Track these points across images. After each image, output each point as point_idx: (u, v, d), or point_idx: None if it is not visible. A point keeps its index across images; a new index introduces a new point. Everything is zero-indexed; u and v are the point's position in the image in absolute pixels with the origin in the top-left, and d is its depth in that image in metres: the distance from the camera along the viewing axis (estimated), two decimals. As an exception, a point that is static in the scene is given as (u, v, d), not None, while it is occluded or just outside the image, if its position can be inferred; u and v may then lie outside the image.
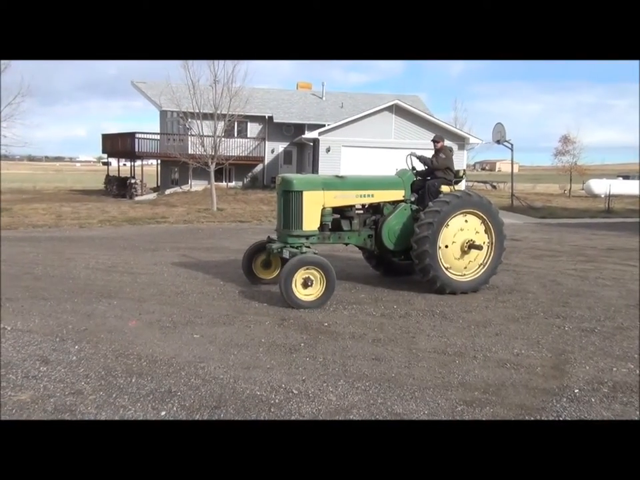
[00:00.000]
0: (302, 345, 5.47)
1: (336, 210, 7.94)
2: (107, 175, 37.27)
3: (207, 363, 4.89)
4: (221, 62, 22.04)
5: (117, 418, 3.82)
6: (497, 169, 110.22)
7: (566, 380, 4.70)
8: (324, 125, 28.57)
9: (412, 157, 8.37)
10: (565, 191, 41.78)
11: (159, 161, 33.19)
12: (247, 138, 31.73)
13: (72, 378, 4.51)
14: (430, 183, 8.26)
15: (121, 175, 34.78)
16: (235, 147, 29.78)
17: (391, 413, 4.00)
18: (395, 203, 8.18)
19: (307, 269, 6.90)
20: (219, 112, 22.19)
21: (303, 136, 29.28)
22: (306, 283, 6.88)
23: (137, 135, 30.10)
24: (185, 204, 23.53)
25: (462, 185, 15.29)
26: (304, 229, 7.55)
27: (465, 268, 7.99)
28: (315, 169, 27.11)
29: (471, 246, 7.87)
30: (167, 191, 30.35)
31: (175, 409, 3.98)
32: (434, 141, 8.59)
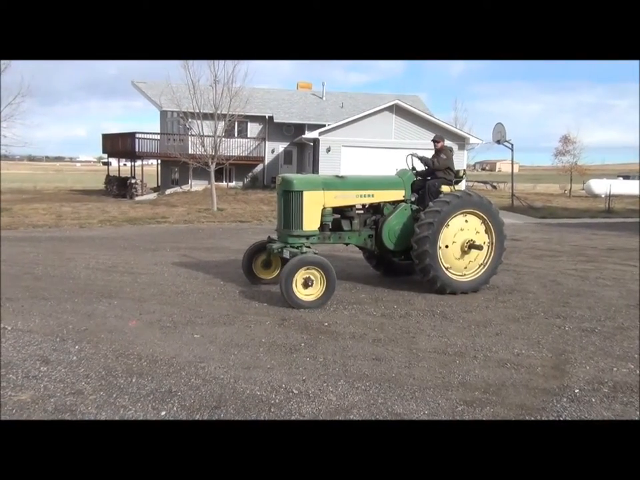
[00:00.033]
0: (302, 344, 5.48)
1: (336, 210, 7.94)
2: (107, 175, 37.28)
3: (207, 363, 4.89)
4: (221, 62, 22.08)
5: (117, 418, 3.82)
6: (497, 169, 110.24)
7: (566, 380, 4.70)
8: (324, 125, 28.58)
9: (412, 157, 8.37)
10: (565, 191, 41.75)
11: (159, 161, 33.21)
12: (247, 138, 31.74)
13: (72, 378, 4.51)
14: (430, 183, 8.26)
15: (121, 175, 34.79)
16: (235, 147, 29.77)
17: (391, 413, 4.00)
18: (395, 203, 8.18)
19: (308, 269, 6.91)
20: (219, 112, 22.19)
21: (303, 136, 29.29)
22: (306, 283, 6.88)
23: (137, 135, 30.12)
24: (185, 204, 23.53)
25: (462, 185, 15.32)
26: (304, 228, 7.55)
27: (465, 268, 7.99)
28: (315, 169, 27.12)
29: (471, 246, 7.87)
30: (167, 191, 30.35)
31: (175, 408, 3.98)
32: (434, 141, 8.59)
